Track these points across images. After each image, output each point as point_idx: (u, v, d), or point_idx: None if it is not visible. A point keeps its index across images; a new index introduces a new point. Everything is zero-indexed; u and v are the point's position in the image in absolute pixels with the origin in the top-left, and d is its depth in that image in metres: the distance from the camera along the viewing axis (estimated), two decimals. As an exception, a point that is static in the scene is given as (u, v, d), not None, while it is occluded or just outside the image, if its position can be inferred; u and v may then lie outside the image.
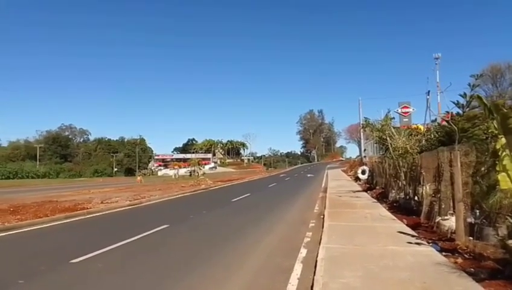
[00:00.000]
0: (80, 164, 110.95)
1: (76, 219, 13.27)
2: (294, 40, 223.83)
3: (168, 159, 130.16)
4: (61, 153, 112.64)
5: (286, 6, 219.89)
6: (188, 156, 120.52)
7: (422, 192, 10.61)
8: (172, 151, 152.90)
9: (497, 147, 5.98)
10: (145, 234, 9.63)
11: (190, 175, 57.79)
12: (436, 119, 15.55)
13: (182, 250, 8.11)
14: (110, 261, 7.12)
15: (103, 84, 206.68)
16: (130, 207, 16.88)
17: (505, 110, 5.55)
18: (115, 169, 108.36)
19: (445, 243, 7.16)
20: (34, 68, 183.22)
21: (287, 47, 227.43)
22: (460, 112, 9.28)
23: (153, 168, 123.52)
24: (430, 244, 7.14)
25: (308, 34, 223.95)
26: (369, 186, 24.31)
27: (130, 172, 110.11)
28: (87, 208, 15.22)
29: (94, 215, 14.23)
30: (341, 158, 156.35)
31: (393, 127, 17.54)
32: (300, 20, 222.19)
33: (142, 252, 7.95)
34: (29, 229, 11.17)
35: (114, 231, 10.64)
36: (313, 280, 5.28)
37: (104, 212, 14.92)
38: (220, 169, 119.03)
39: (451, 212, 7.85)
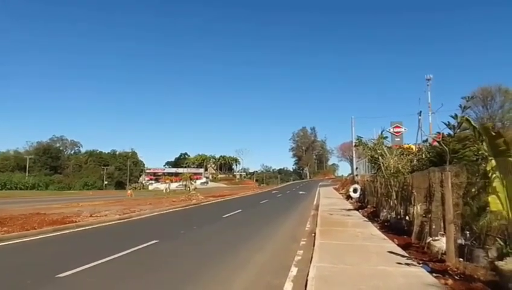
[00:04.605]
0: (69, 176, 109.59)
1: (65, 232, 13.07)
2: (287, 57, 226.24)
3: (159, 173, 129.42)
4: (51, 164, 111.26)
5: (279, 23, 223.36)
6: (180, 170, 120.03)
7: (413, 212, 10.64)
8: (164, 165, 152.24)
9: (488, 168, 6.06)
10: (134, 249, 9.49)
11: (186, 188, 56.75)
12: (427, 140, 15.71)
13: (171, 266, 7.99)
14: (97, 276, 6.99)
15: (96, 96, 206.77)
16: (119, 221, 16.66)
17: (493, 134, 5.65)
18: (105, 182, 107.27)
19: (435, 264, 7.15)
20: (26, 77, 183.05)
21: (281, 63, 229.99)
22: (452, 133, 9.41)
23: (144, 181, 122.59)
24: (421, 265, 7.11)
25: (301, 51, 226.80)
26: (360, 205, 24.30)
27: (120, 185, 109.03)
28: (76, 221, 14.99)
29: (83, 228, 14.02)
30: (333, 176, 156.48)
31: (386, 147, 17.68)
32: (293, 37, 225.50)
33: (131, 267, 7.82)
34: (15, 241, 10.97)
35: (102, 246, 10.48)
36: (303, 299, 5.22)
37: (93, 226, 14.71)
38: (211, 184, 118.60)
39: (442, 233, 7.87)
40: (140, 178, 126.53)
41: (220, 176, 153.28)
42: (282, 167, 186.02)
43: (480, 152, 7.95)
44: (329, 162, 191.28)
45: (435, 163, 10.56)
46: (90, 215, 17.33)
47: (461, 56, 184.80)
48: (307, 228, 14.17)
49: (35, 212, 19.27)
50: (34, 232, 12.34)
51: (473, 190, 7.29)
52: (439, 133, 11.01)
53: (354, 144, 28.72)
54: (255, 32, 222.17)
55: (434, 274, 6.38)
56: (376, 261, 7.52)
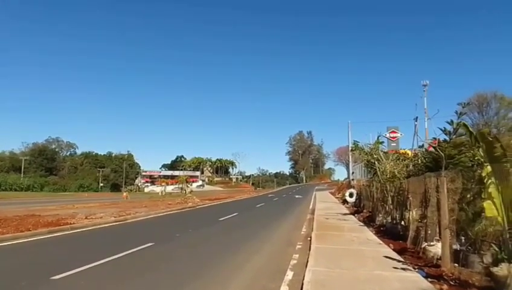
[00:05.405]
0: (65, 177, 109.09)
1: (59, 234, 12.99)
2: (285, 61, 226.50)
3: (155, 176, 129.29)
4: (46, 166, 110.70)
5: (276, 25, 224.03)
6: (176, 173, 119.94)
7: (408, 217, 10.65)
8: (160, 168, 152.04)
9: (483, 174, 6.09)
10: (129, 251, 9.45)
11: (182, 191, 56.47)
12: (423, 145, 15.77)
13: (166, 269, 7.95)
14: (92, 278, 6.95)
15: (92, 98, 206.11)
16: (114, 223, 16.61)
17: (491, 139, 5.68)
18: (101, 184, 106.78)
19: (431, 269, 7.16)
20: (23, 79, 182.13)
21: (278, 67, 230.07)
22: (447, 138, 9.46)
23: (139, 184, 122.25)
24: (416, 270, 7.13)
25: (299, 55, 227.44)
26: (356, 209, 24.34)
27: (116, 188, 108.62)
28: (71, 223, 14.93)
29: (78, 230, 13.95)
30: (329, 180, 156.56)
31: (382, 152, 17.73)
32: (291, 40, 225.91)
33: (125, 269, 7.78)
34: (10, 243, 10.89)
35: (97, 248, 10.43)
36: (299, 303, 5.21)
37: (88, 228, 14.64)
38: (207, 187, 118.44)
39: (437, 238, 7.89)
40: (136, 180, 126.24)
41: (216, 179, 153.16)
42: (278, 171, 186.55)
43: (476, 158, 7.99)
44: (326, 166, 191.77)
45: (431, 168, 10.59)
46: (86, 218, 17.25)
47: (457, 62, 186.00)
48: (302, 232, 14.16)
49: (30, 213, 19.18)
50: (29, 233, 12.26)
51: (469, 195, 7.32)
52: (435, 138, 11.08)
53: (350, 148, 28.77)
54: (253, 34, 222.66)
55: (429, 279, 6.40)
56: (372, 265, 7.53)
